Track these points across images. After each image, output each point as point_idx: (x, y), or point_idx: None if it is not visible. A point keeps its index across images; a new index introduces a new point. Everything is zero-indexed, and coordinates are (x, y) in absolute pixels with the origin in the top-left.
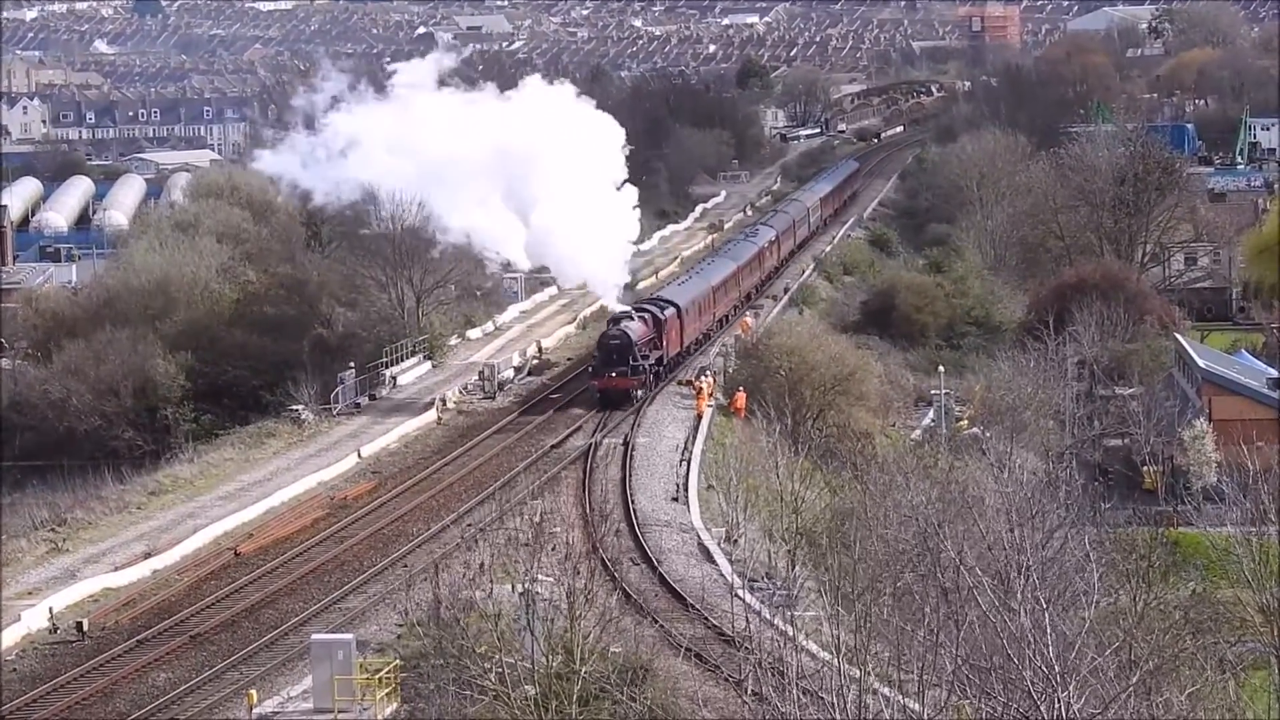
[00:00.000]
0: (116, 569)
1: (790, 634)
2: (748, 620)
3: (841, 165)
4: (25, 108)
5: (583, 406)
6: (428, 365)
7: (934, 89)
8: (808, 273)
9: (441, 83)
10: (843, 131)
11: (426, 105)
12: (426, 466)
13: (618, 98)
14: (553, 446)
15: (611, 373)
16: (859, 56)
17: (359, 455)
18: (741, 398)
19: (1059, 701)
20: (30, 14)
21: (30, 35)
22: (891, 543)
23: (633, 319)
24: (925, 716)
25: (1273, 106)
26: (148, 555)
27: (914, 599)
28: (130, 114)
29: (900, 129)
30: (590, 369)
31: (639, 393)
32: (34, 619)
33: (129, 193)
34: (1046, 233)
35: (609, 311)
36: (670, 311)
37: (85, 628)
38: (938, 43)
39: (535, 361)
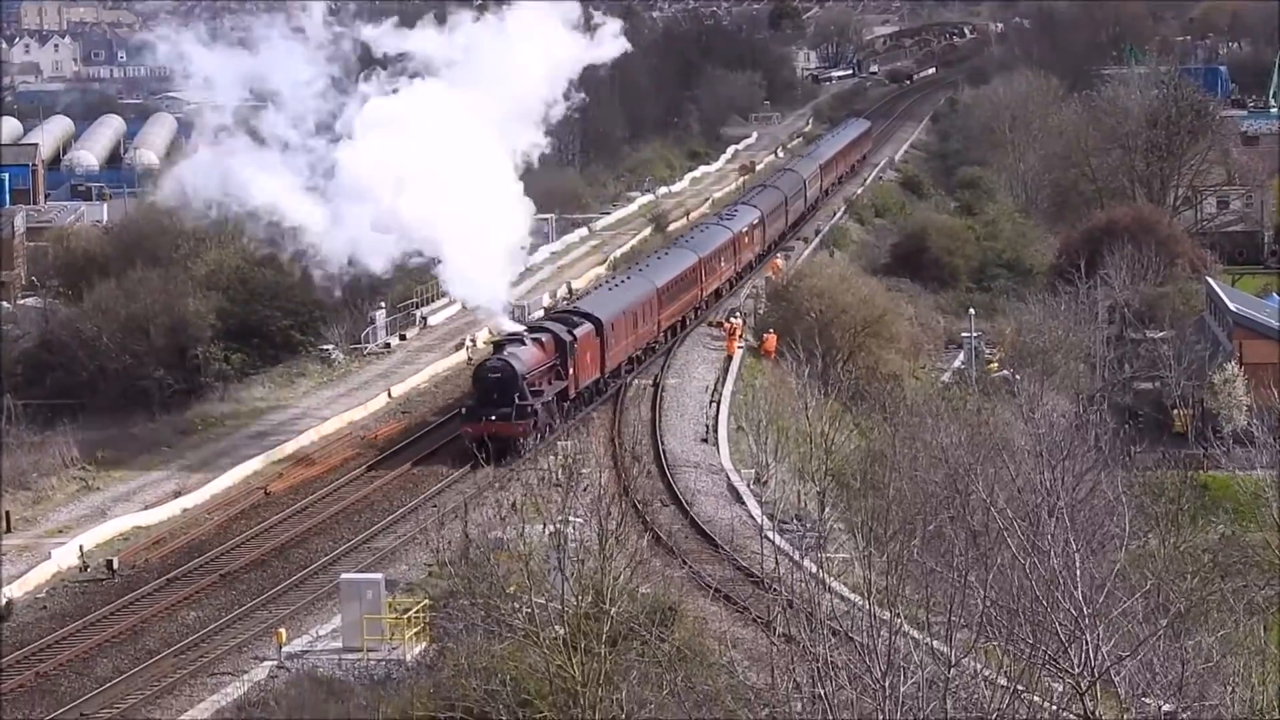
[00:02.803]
0: (146, 507)
1: (820, 575)
2: (777, 561)
3: (849, 125)
4: (57, 45)
5: None
6: (458, 305)
7: (967, 30)
8: (839, 215)
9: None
10: (875, 73)
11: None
12: (457, 406)
13: (650, 38)
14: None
15: (490, 414)
16: None
17: (389, 395)
18: (772, 339)
19: (1088, 644)
20: None
21: None
22: (921, 485)
23: (523, 343)
24: (954, 658)
25: None
26: (178, 494)
27: (944, 541)
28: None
29: (933, 71)
30: (463, 409)
31: (528, 441)
32: (64, 557)
33: (160, 131)
34: (1078, 176)
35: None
36: (585, 329)
37: (115, 566)
38: None
39: (566, 302)
